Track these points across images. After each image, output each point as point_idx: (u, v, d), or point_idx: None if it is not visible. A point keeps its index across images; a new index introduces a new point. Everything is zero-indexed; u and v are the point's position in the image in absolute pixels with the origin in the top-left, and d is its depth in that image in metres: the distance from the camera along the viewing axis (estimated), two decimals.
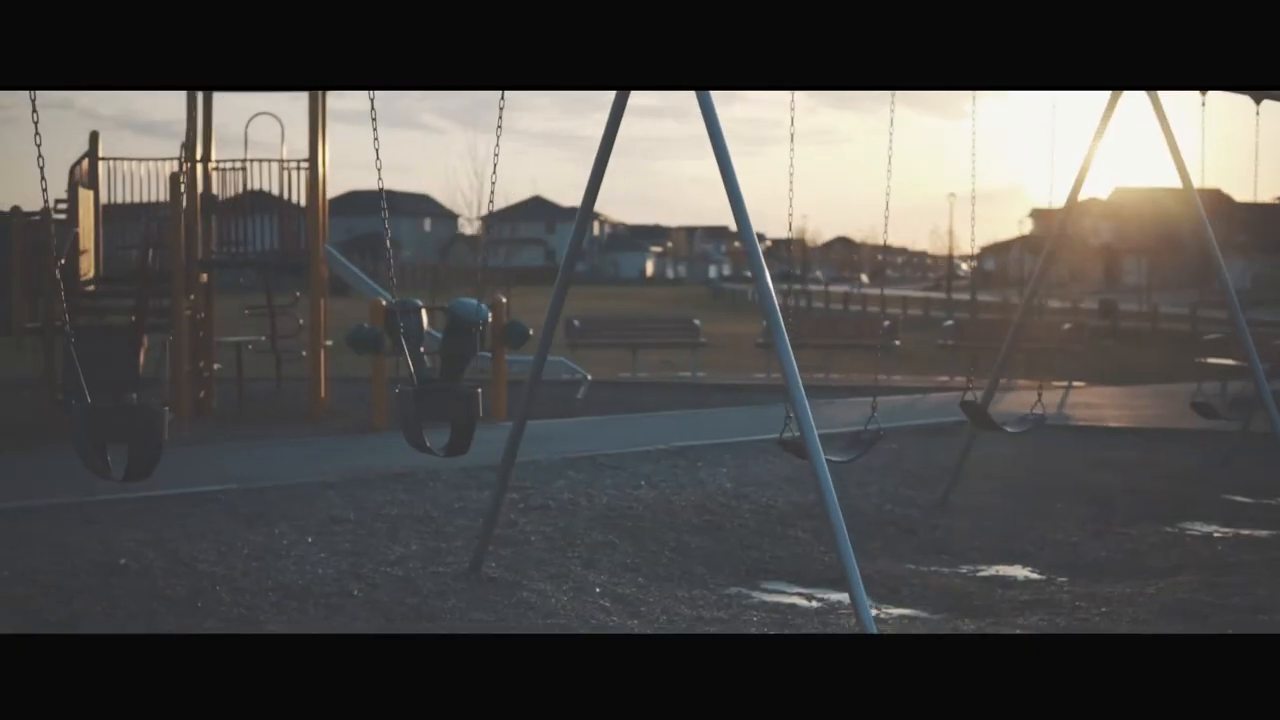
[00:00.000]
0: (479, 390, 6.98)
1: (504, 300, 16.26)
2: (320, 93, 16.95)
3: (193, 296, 16.77)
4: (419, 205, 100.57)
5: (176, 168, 16.51)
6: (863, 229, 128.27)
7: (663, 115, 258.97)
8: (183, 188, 16.19)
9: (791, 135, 7.91)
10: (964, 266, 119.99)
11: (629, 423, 15.54)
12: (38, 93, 6.08)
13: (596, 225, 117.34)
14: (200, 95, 17.67)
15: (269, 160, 17.57)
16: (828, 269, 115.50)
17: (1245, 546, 9.20)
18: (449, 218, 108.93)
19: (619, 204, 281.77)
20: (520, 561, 8.44)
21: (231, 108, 40.97)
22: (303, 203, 17.37)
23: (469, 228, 77.98)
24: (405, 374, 14.15)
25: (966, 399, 9.26)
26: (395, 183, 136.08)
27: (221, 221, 17.66)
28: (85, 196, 16.43)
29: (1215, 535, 9.82)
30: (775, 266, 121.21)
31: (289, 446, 13.84)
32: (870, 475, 11.63)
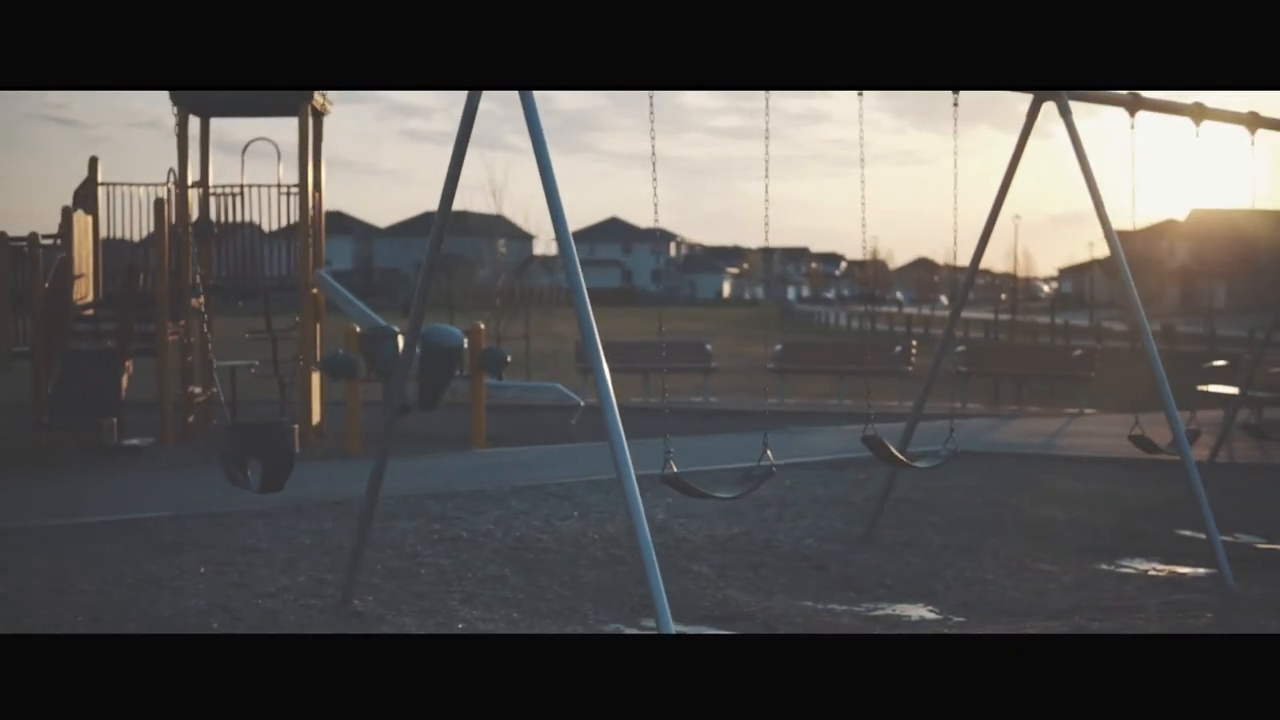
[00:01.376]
0: (295, 428, 6.86)
1: (482, 326, 16.18)
2: (310, 116, 17.01)
3: (182, 321, 16.87)
4: (495, 226, 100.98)
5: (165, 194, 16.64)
6: (944, 250, 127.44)
7: (748, 136, 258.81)
8: (170, 213, 16.30)
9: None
10: (1045, 289, 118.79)
11: (607, 451, 15.32)
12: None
13: (673, 247, 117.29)
14: (197, 120, 17.80)
15: (265, 185, 17.65)
16: (908, 290, 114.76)
17: (1160, 587, 8.87)
18: (525, 238, 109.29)
19: (700, 225, 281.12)
20: (398, 596, 8.32)
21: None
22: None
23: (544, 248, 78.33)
24: (385, 399, 14.10)
25: (867, 434, 8.83)
26: (473, 203, 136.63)
27: (219, 246, 17.77)
28: (81, 221, 16.60)
29: (1150, 573, 9.49)
30: (853, 289, 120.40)
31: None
32: (813, 507, 11.43)
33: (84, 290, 16.83)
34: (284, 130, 40.26)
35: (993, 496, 12.06)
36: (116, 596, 8.18)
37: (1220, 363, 18.27)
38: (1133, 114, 9.63)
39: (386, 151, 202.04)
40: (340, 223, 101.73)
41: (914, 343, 22.72)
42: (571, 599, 8.46)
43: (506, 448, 15.53)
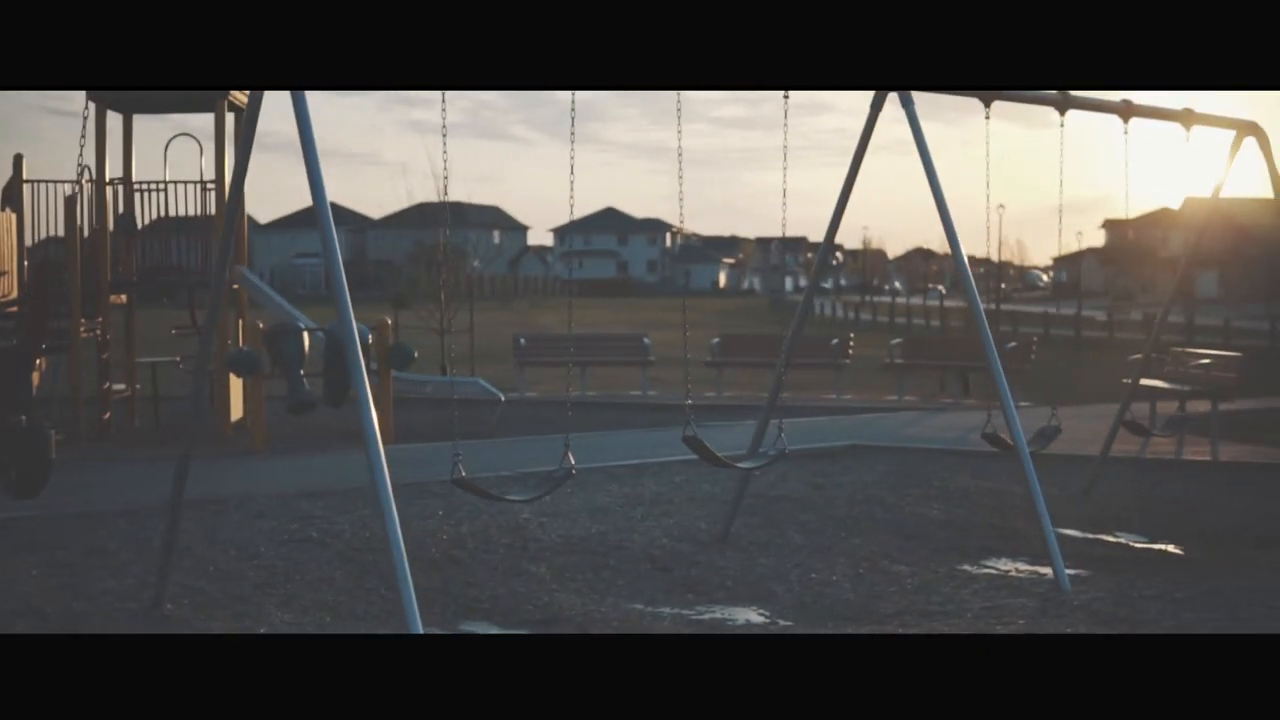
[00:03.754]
0: (51, 433, 6.77)
1: (388, 321, 16.08)
2: (226, 110, 16.91)
3: (100, 318, 16.80)
4: (489, 217, 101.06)
5: (86, 189, 16.58)
6: (939, 240, 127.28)
7: (750, 126, 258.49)
8: (84, 210, 16.23)
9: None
10: (1044, 278, 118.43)
11: (515, 447, 15.21)
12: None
13: (669, 237, 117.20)
14: (120, 116, 17.74)
15: (187, 182, 17.58)
16: (905, 280, 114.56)
17: (998, 590, 8.72)
18: (519, 229, 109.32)
19: (698, 215, 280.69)
20: (215, 599, 8.23)
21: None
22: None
23: (541, 239, 78.86)
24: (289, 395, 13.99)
25: (687, 434, 8.50)
26: (471, 194, 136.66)
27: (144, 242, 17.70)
28: (4, 219, 16.54)
29: (1011, 574, 9.36)
30: (852, 279, 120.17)
31: (133, 470, 13.75)
32: (686, 506, 11.33)
33: (7, 288, 16.78)
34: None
35: (877, 494, 11.94)
36: None
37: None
38: (987, 105, 9.57)
39: (389, 142, 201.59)
40: (333, 214, 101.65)
41: (851, 335, 22.56)
42: (394, 602, 8.35)
43: (415, 444, 15.40)
